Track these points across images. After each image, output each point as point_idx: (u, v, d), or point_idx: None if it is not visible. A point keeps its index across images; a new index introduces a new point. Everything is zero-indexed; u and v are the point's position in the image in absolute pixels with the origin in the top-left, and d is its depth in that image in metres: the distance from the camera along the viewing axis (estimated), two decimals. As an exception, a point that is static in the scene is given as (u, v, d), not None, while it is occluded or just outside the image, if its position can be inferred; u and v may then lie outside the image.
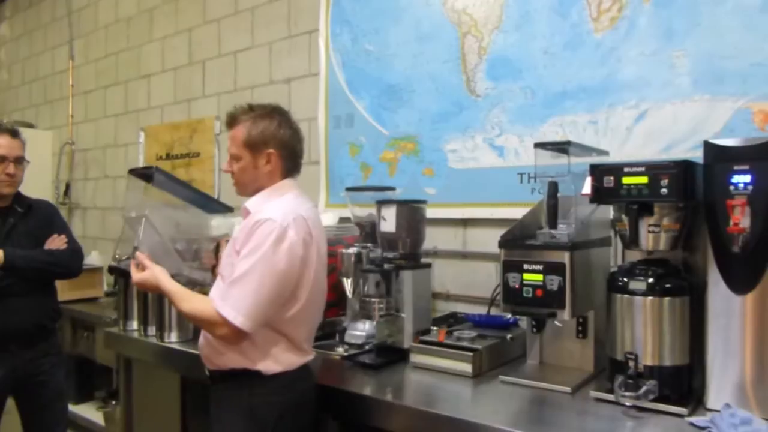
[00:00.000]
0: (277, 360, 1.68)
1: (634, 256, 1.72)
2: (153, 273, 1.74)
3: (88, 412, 3.73)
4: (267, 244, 1.58)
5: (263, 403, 1.66)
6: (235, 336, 1.60)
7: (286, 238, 1.60)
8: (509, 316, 2.12)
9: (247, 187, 1.77)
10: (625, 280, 1.63)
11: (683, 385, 1.59)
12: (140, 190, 2.01)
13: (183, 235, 2.12)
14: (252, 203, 1.74)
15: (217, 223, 2.85)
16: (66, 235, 2.56)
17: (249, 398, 1.66)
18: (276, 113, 1.76)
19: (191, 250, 2.13)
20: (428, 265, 2.22)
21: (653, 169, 1.55)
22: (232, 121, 1.74)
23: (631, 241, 1.62)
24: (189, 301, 1.68)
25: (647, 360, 1.58)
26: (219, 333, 1.60)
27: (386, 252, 2.13)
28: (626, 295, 1.61)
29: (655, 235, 1.61)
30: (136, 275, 1.77)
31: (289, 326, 1.69)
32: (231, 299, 1.58)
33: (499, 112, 2.41)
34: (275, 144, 1.72)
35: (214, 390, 1.77)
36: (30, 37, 5.67)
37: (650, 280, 1.59)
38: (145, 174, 2.04)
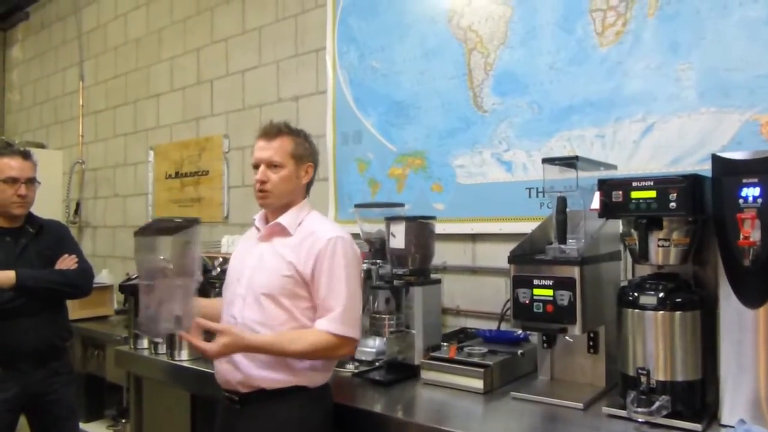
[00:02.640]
0: (322, 372, 1.76)
1: (643, 270, 1.72)
2: (231, 335, 1.62)
3: (99, 430, 3.73)
4: (350, 258, 1.74)
5: (311, 412, 1.73)
6: (354, 350, 1.80)
7: (357, 250, 1.80)
8: (520, 331, 2.12)
9: (280, 199, 1.80)
10: (636, 294, 1.62)
11: (696, 400, 1.58)
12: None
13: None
14: (288, 220, 1.79)
15: (227, 240, 2.88)
16: (77, 254, 2.57)
17: (298, 410, 1.71)
18: (308, 136, 1.89)
19: None
20: (438, 281, 2.22)
21: (662, 183, 1.55)
22: (277, 132, 1.80)
23: (641, 256, 1.61)
24: (297, 341, 1.67)
25: (659, 375, 1.57)
26: (343, 352, 1.75)
27: (396, 268, 2.13)
28: (637, 310, 1.61)
29: (664, 249, 1.60)
30: (211, 347, 1.61)
31: None
32: (346, 319, 1.69)
33: (507, 128, 2.42)
34: (312, 160, 1.86)
35: (250, 410, 1.73)
36: (41, 59, 5.76)
37: (661, 294, 1.58)
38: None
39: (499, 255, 2.39)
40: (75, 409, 2.64)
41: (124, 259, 4.49)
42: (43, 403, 2.47)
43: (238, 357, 1.72)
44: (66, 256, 2.53)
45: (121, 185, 4.72)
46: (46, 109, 5.67)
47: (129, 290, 2.91)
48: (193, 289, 1.67)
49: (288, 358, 1.68)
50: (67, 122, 5.36)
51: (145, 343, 2.69)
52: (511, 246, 1.85)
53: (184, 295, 1.65)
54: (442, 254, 2.45)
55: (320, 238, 1.72)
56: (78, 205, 5.08)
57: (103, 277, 4.13)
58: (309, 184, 1.88)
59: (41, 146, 5.22)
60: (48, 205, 4.02)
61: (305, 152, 1.82)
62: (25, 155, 2.49)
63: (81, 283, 2.56)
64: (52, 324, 2.49)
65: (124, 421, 3.47)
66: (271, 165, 1.77)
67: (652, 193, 1.55)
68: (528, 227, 2.05)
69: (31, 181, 2.47)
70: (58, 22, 5.52)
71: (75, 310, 3.20)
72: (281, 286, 1.71)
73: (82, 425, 3.24)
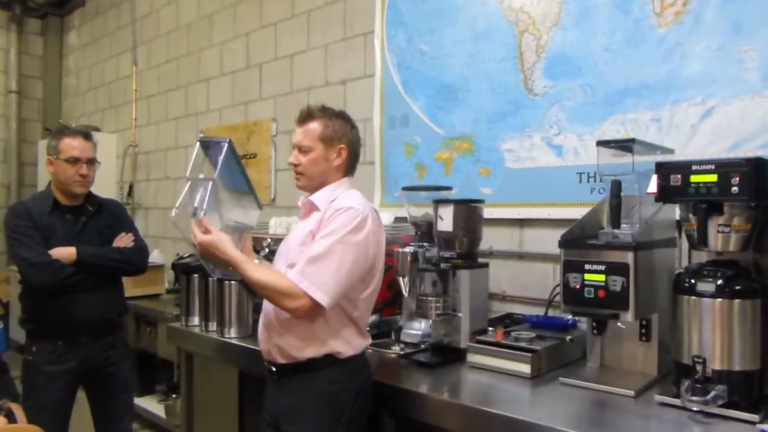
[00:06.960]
0: (349, 343, 1.77)
1: (700, 257, 1.67)
2: (219, 237, 1.69)
3: (150, 404, 3.87)
4: (349, 228, 1.70)
5: (341, 388, 1.75)
6: (310, 310, 1.66)
7: (366, 226, 1.73)
8: (568, 317, 2.09)
9: (312, 180, 1.85)
10: (693, 281, 1.58)
11: (754, 391, 1.53)
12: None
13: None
14: (318, 197, 1.83)
15: (275, 222, 2.93)
16: (133, 233, 2.66)
17: (328, 385, 1.74)
18: (346, 116, 1.91)
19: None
20: (485, 265, 2.21)
21: (723, 167, 1.50)
22: (308, 116, 1.85)
23: (700, 242, 1.57)
24: (260, 271, 1.71)
25: (716, 364, 1.53)
26: (293, 305, 1.65)
27: (443, 251, 2.12)
28: (694, 297, 1.56)
29: (724, 235, 1.55)
30: (200, 236, 1.68)
31: (359, 309, 1.79)
32: (310, 275, 1.66)
33: (558, 111, 2.38)
34: (346, 141, 1.86)
35: (286, 382, 1.80)
36: (96, 44, 5.94)
37: (719, 281, 1.54)
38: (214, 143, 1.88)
39: (546, 240, 2.36)
40: (130, 382, 2.74)
41: (175, 240, 4.62)
42: (100, 376, 2.57)
43: (272, 324, 1.79)
44: (123, 234, 2.61)
45: (172, 168, 4.84)
46: (101, 94, 5.86)
47: (181, 268, 3.00)
48: (210, 191, 1.71)
49: (252, 283, 1.70)
50: (120, 106, 5.52)
51: (196, 320, 2.78)
52: (559, 232, 1.82)
53: (200, 193, 1.70)
54: (489, 239, 2.43)
55: (331, 209, 1.75)
56: (131, 186, 5.25)
57: (154, 256, 4.25)
58: (350, 165, 1.90)
59: (96, 130, 5.39)
60: (102, 187, 4.11)
61: (335, 134, 1.84)
62: (87, 136, 2.58)
63: (138, 260, 2.65)
64: (110, 299, 2.58)
65: (174, 396, 3.58)
66: (302, 148, 1.83)
67: (713, 177, 1.50)
68: (577, 213, 2.01)
69: (91, 161, 2.55)
70: (112, 8, 5.68)
71: (128, 287, 3.29)
72: (299, 254, 1.75)
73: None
